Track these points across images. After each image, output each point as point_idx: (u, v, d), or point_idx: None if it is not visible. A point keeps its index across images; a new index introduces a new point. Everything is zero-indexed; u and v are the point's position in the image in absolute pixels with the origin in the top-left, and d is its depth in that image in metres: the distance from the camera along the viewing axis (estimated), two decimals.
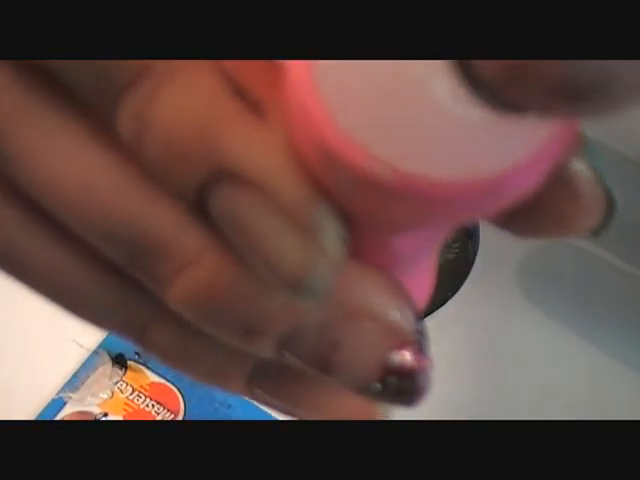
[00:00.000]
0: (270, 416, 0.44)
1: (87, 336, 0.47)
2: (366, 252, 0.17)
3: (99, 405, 0.46)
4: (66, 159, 0.16)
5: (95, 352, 0.47)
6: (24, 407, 0.45)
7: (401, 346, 0.17)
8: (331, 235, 0.15)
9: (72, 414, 0.45)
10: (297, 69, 0.14)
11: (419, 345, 0.17)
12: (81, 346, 0.47)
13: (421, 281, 0.19)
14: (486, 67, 0.12)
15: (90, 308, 0.19)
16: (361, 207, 0.15)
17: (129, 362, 0.47)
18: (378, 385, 0.17)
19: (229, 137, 0.15)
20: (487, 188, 0.14)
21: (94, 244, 0.17)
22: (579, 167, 0.18)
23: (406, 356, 0.17)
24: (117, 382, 0.47)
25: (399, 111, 0.13)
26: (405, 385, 0.17)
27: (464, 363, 0.46)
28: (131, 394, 0.46)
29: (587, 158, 0.18)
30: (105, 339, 0.47)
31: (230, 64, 0.15)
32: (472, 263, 0.49)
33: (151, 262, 0.17)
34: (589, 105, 0.12)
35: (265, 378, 0.19)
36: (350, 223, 0.16)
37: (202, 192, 0.15)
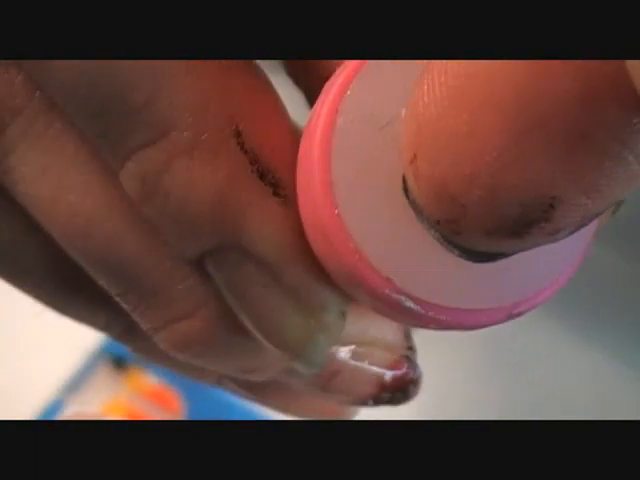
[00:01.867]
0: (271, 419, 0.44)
1: (87, 338, 0.47)
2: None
3: (99, 408, 0.46)
4: (72, 188, 0.16)
5: (95, 354, 0.47)
6: (23, 409, 0.45)
7: (394, 365, 0.18)
8: (333, 314, 0.16)
9: (71, 416, 0.45)
10: (311, 164, 0.14)
11: (410, 361, 0.18)
12: (81, 348, 0.47)
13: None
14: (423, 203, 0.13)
15: (72, 309, 0.19)
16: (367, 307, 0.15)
17: (129, 365, 0.47)
18: (370, 401, 0.18)
19: (245, 216, 0.15)
20: (484, 321, 0.15)
21: (89, 272, 0.17)
22: None
23: (399, 373, 0.18)
24: (117, 385, 0.47)
25: (407, 246, 0.14)
26: (396, 397, 0.18)
27: (464, 364, 0.46)
28: (131, 397, 0.46)
29: None
30: (106, 342, 0.47)
31: (255, 142, 0.15)
32: None
33: (142, 306, 0.16)
34: (530, 239, 0.12)
35: (237, 380, 0.19)
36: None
37: (206, 258, 0.15)
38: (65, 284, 0.18)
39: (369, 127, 0.14)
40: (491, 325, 0.15)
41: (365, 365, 0.18)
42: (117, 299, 0.17)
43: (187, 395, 0.46)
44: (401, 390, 0.18)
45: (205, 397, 0.46)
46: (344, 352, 0.17)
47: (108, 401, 0.46)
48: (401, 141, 0.13)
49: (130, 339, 0.19)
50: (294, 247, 0.15)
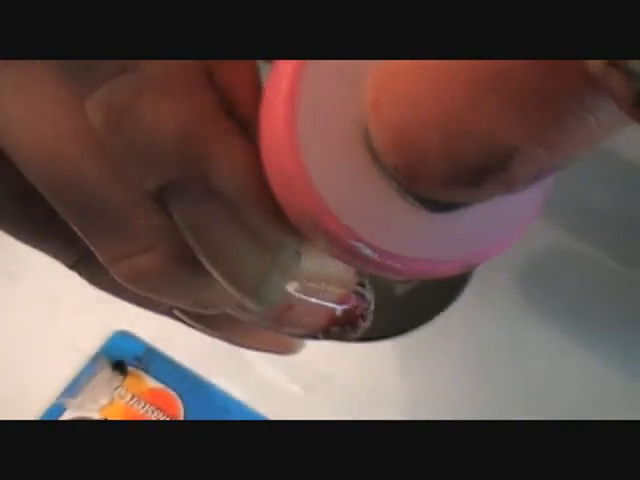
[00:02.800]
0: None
1: (87, 342, 0.47)
2: None
3: (99, 411, 0.46)
4: (40, 113, 0.15)
5: (95, 358, 0.47)
6: (23, 413, 0.45)
7: (345, 299, 0.18)
8: (289, 254, 0.16)
9: (72, 420, 0.45)
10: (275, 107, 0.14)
11: (361, 296, 0.18)
12: (80, 352, 0.47)
13: None
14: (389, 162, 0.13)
15: (26, 234, 0.19)
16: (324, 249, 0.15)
17: (129, 368, 0.47)
18: (321, 335, 0.18)
19: (211, 150, 0.15)
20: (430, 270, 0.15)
21: (49, 200, 0.16)
22: None
23: (349, 307, 0.18)
24: (117, 388, 0.47)
25: (369, 197, 0.14)
26: (345, 331, 0.18)
27: (464, 367, 0.46)
28: (130, 400, 0.46)
29: None
30: (105, 345, 0.48)
31: (225, 79, 0.15)
32: (473, 269, 0.49)
33: (102, 238, 0.16)
34: (486, 188, 0.13)
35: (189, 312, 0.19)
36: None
37: (168, 192, 0.15)
38: (22, 209, 0.18)
39: (335, 78, 0.14)
40: (447, 274, 0.15)
41: (317, 300, 0.18)
42: (77, 230, 0.17)
43: (186, 398, 0.46)
44: (350, 324, 0.18)
45: (204, 400, 0.46)
46: (296, 287, 0.17)
47: (107, 404, 0.46)
48: (365, 90, 0.13)
49: (84, 268, 0.19)
50: (256, 186, 0.15)
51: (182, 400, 0.46)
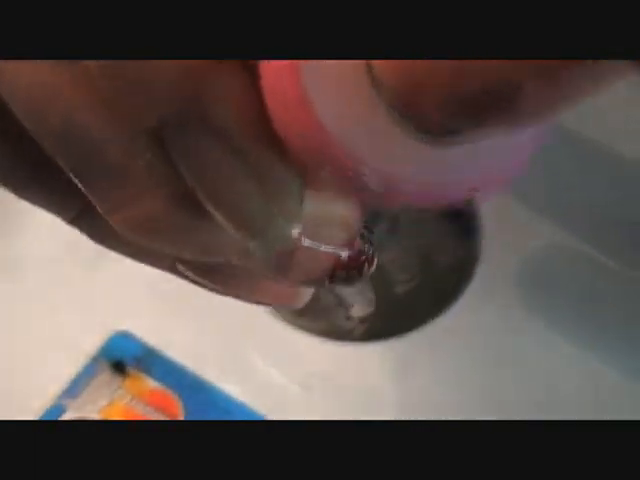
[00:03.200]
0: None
1: (86, 343, 0.47)
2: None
3: (98, 412, 0.46)
4: (35, 62, 0.15)
5: (94, 359, 0.47)
6: (24, 413, 0.45)
7: (350, 243, 0.18)
8: (293, 199, 0.16)
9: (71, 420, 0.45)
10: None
11: (366, 239, 0.18)
12: (80, 353, 0.47)
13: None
14: (387, 79, 0.13)
15: (29, 192, 0.18)
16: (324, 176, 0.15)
17: (129, 369, 0.47)
18: (327, 280, 0.18)
19: (210, 83, 0.14)
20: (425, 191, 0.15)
21: (45, 147, 0.16)
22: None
23: (355, 252, 0.18)
24: (116, 389, 0.47)
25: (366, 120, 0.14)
26: (351, 275, 0.18)
27: (464, 368, 0.46)
28: (130, 401, 0.46)
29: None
30: (105, 346, 0.48)
31: None
32: (473, 270, 0.49)
33: (100, 184, 0.16)
34: (491, 119, 0.12)
35: (192, 263, 0.19)
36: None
37: (166, 129, 0.15)
38: (18, 158, 0.18)
39: None
40: (452, 200, 0.15)
41: (321, 244, 0.17)
42: (74, 178, 0.16)
43: (186, 399, 0.46)
44: (356, 268, 0.18)
45: (204, 401, 0.46)
46: (300, 232, 0.17)
47: (108, 405, 0.46)
48: None
49: (84, 223, 0.19)
50: (257, 120, 0.15)
51: (182, 401, 0.46)
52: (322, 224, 0.17)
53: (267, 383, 0.46)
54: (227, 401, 0.46)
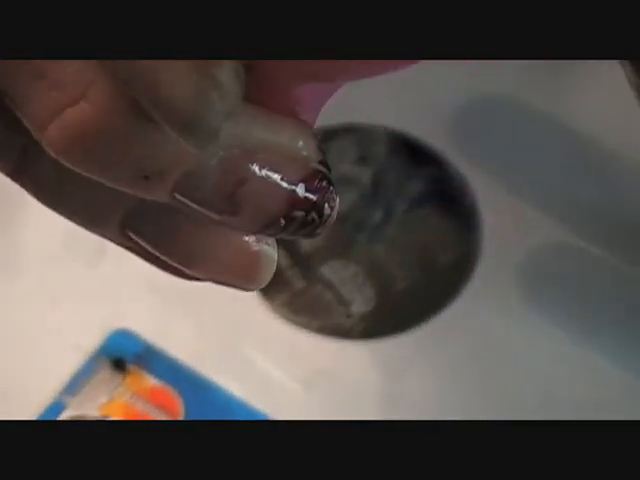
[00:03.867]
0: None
1: (87, 340, 0.47)
2: (266, 100, 0.16)
3: (98, 409, 0.46)
4: None
5: (94, 356, 0.47)
6: (23, 411, 0.45)
7: (307, 178, 0.17)
8: (227, 70, 0.14)
9: (71, 418, 0.45)
10: None
11: (324, 176, 0.17)
12: (80, 350, 0.47)
13: (314, 116, 0.19)
14: None
15: None
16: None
17: (129, 366, 0.47)
18: (282, 220, 0.17)
19: None
20: None
21: None
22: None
23: (311, 187, 0.17)
24: (117, 386, 0.47)
25: None
26: (310, 217, 0.17)
27: (465, 364, 0.46)
28: (131, 398, 0.46)
29: None
30: (105, 343, 0.47)
31: None
32: (473, 266, 0.49)
33: (28, 94, 0.15)
34: None
35: (142, 222, 0.18)
36: (251, 74, 0.15)
37: None
38: None
39: None
40: None
41: (272, 173, 0.16)
42: (7, 91, 0.15)
43: (186, 396, 0.46)
44: (315, 209, 0.17)
45: (205, 398, 0.46)
46: (247, 157, 0.16)
47: (108, 403, 0.46)
48: None
49: (26, 175, 0.18)
50: None
51: (182, 398, 0.46)
52: (273, 150, 0.16)
53: (267, 380, 0.46)
54: (227, 398, 0.46)
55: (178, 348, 0.47)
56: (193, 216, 0.17)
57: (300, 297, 0.48)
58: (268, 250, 0.19)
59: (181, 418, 0.45)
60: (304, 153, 0.17)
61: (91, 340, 0.47)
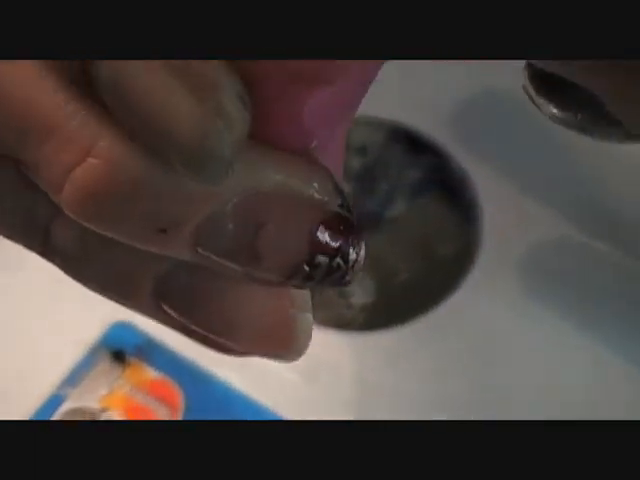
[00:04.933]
0: (272, 414, 0.44)
1: (86, 332, 0.47)
2: (277, 135, 0.16)
3: (98, 401, 0.46)
4: None
5: (94, 348, 0.47)
6: (23, 403, 0.45)
7: (327, 222, 0.16)
8: (230, 95, 0.14)
9: (71, 410, 0.45)
10: None
11: (345, 219, 0.17)
12: (80, 342, 0.47)
13: (335, 160, 0.19)
14: None
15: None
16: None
17: (129, 358, 0.47)
18: (306, 268, 0.16)
19: None
20: None
21: None
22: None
23: (332, 231, 0.16)
24: (116, 378, 0.47)
25: None
26: (335, 263, 0.17)
27: (466, 359, 0.46)
28: (131, 390, 0.46)
29: None
30: (105, 335, 0.47)
31: None
32: (474, 259, 0.49)
33: (37, 155, 0.15)
34: None
35: (172, 291, 0.18)
36: (257, 99, 0.15)
37: (90, 66, 0.14)
38: None
39: None
40: None
41: (290, 217, 0.16)
42: (21, 159, 0.15)
43: (187, 389, 0.46)
44: (340, 254, 0.16)
45: (205, 391, 0.46)
46: (262, 201, 0.16)
47: (108, 395, 0.46)
48: None
49: (51, 254, 0.18)
50: None
51: (183, 391, 0.46)
52: (288, 194, 0.16)
53: (267, 372, 0.46)
54: (227, 390, 0.46)
55: (178, 341, 0.47)
56: (221, 275, 0.17)
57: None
58: (303, 314, 0.18)
59: (181, 410, 0.46)
60: (320, 196, 0.16)
61: (91, 332, 0.47)
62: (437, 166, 0.52)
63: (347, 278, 0.17)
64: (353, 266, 0.17)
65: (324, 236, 0.16)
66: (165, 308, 0.18)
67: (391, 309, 0.48)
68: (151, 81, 0.14)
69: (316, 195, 0.16)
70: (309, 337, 0.18)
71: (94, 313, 0.47)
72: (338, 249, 0.16)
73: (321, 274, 0.17)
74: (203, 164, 0.14)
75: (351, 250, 0.17)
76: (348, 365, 0.46)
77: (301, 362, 0.48)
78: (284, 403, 0.44)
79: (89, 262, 0.17)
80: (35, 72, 0.15)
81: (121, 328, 0.48)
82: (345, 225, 0.17)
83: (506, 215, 0.50)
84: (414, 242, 0.50)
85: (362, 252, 0.17)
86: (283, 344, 0.18)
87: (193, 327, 0.18)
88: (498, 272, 0.48)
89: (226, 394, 0.46)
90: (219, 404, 0.46)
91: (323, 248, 0.16)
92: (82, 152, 0.15)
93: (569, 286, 0.48)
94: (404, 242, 0.50)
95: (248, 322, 0.18)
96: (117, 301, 0.18)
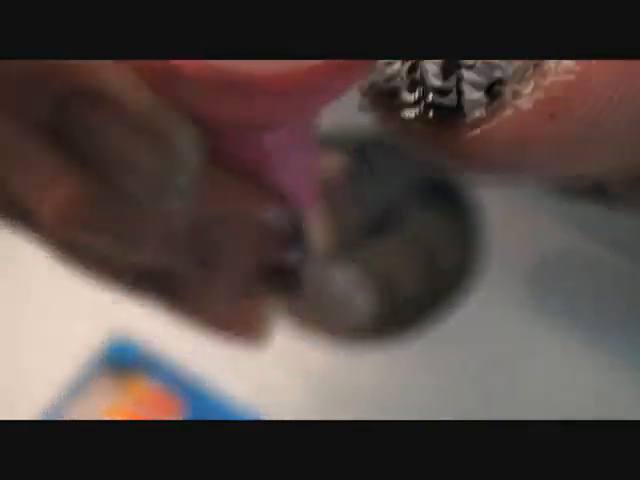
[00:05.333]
0: None
1: (87, 345, 0.47)
2: (235, 160, 0.17)
3: (99, 413, 0.46)
4: None
5: (95, 361, 0.47)
6: (23, 415, 0.45)
7: (278, 245, 0.18)
8: (182, 136, 0.16)
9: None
10: None
11: (295, 241, 0.18)
12: (82, 354, 0.47)
13: (302, 176, 0.20)
14: None
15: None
16: (216, 111, 0.16)
17: (129, 371, 0.47)
18: (263, 286, 0.18)
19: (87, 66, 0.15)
20: (297, 77, 0.15)
21: None
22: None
23: (284, 254, 0.18)
24: (118, 390, 0.47)
25: None
26: (289, 281, 0.18)
27: (472, 368, 0.46)
28: (132, 403, 0.46)
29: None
30: (105, 348, 0.47)
31: None
32: (479, 269, 0.49)
33: (22, 181, 0.17)
34: None
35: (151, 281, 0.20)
36: (211, 134, 0.16)
37: (58, 110, 0.16)
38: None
39: None
40: None
41: (242, 241, 0.18)
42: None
43: (187, 401, 0.46)
44: (290, 273, 0.18)
45: (205, 403, 0.46)
46: (214, 223, 0.17)
47: (109, 407, 0.46)
48: None
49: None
50: (135, 83, 0.16)
51: (183, 402, 0.46)
52: (239, 219, 0.18)
53: (268, 383, 0.46)
54: (228, 402, 0.46)
55: (178, 353, 0.47)
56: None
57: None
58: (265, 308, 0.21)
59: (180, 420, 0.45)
60: (274, 222, 0.18)
61: (92, 345, 0.47)
62: (441, 176, 0.52)
63: (302, 290, 0.19)
64: (300, 279, 0.19)
65: (275, 260, 0.18)
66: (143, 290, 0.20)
67: (394, 320, 0.48)
68: (117, 130, 0.16)
69: (269, 221, 0.18)
70: (268, 325, 0.21)
71: (94, 326, 0.47)
72: (289, 271, 0.18)
73: (278, 290, 0.18)
74: (159, 197, 0.16)
75: (301, 270, 0.18)
76: (349, 375, 0.46)
77: (302, 372, 0.48)
78: (284, 413, 0.44)
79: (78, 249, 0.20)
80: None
81: (122, 341, 0.48)
82: (295, 247, 0.18)
83: (511, 225, 0.50)
84: (418, 252, 0.50)
85: (314, 267, 0.19)
86: (248, 334, 0.21)
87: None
88: (503, 283, 0.48)
89: (227, 406, 0.46)
90: (220, 416, 0.45)
91: (276, 271, 0.18)
92: (51, 182, 0.17)
93: (576, 296, 0.48)
94: (407, 253, 0.50)
95: (218, 313, 0.21)
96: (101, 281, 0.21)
